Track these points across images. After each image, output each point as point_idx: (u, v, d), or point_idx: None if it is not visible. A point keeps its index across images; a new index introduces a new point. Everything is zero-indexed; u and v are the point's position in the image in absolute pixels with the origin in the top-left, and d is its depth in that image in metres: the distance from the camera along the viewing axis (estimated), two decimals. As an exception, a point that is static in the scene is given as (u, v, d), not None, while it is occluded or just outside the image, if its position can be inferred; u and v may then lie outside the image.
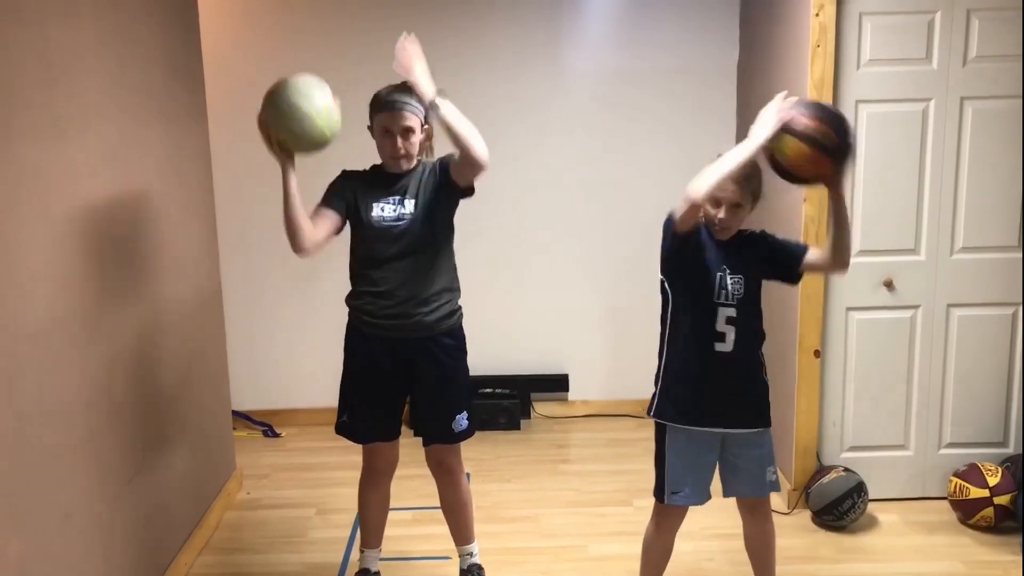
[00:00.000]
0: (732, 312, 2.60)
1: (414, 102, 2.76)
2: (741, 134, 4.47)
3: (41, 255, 2.34)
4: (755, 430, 2.69)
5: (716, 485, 2.77)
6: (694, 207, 2.45)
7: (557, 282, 4.74)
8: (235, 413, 4.37)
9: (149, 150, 3.09)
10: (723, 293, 2.61)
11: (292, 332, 4.74)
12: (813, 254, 2.66)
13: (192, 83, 3.57)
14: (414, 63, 2.67)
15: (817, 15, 3.40)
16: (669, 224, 2.60)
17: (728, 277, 2.62)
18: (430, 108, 2.65)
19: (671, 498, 2.72)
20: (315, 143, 2.61)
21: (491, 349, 4.69)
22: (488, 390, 4.69)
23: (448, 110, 2.62)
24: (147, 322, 3.03)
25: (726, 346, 2.60)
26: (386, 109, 2.76)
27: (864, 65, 3.47)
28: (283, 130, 2.58)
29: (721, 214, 2.57)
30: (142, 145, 3.03)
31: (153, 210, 3.11)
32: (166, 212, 3.23)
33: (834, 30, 3.41)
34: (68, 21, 2.50)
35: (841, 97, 3.48)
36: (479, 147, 2.63)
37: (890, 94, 3.49)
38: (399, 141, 2.77)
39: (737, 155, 2.43)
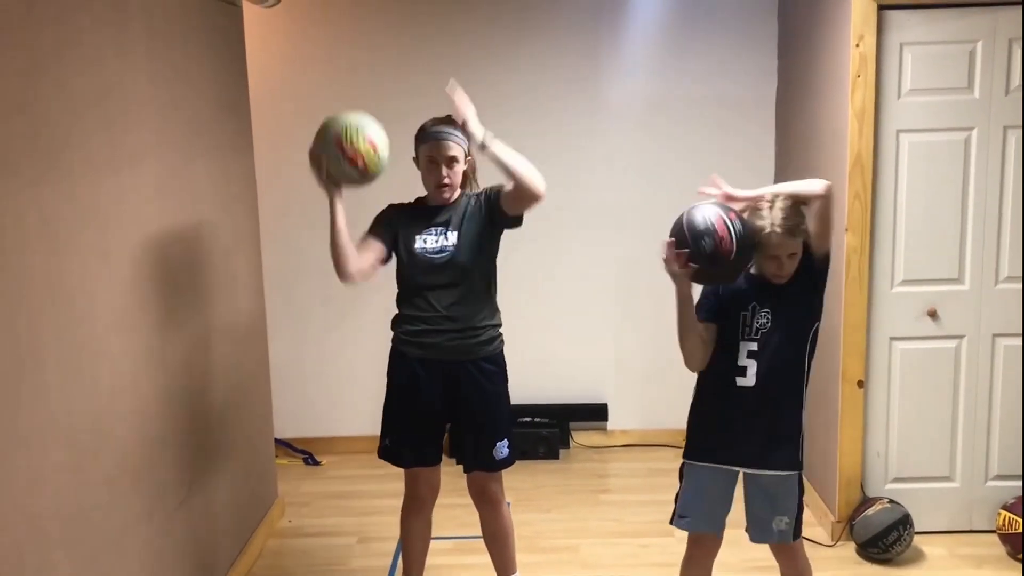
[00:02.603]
0: (753, 346, 2.60)
1: (458, 133, 2.84)
2: (780, 163, 4.49)
3: (99, 286, 2.40)
4: (779, 473, 2.65)
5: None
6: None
7: (596, 311, 4.75)
8: (276, 441, 4.41)
9: (198, 183, 3.16)
10: (746, 330, 2.61)
11: (333, 361, 4.78)
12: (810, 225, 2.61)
13: (239, 117, 3.65)
14: (466, 107, 2.75)
15: (857, 45, 3.41)
16: None
17: (757, 311, 2.61)
18: (481, 149, 2.73)
19: (677, 521, 2.77)
20: (363, 176, 2.69)
21: (530, 378, 4.70)
22: (527, 419, 4.69)
23: (499, 148, 2.71)
24: (194, 351, 3.08)
25: (747, 380, 2.60)
26: (431, 139, 2.84)
27: (905, 95, 3.47)
28: (333, 161, 2.66)
29: (783, 269, 2.58)
30: (192, 178, 3.10)
31: (201, 242, 3.17)
32: (213, 243, 3.29)
33: (875, 60, 3.42)
34: (124, 61, 2.57)
35: (882, 127, 3.48)
36: (535, 179, 2.71)
37: (932, 123, 3.48)
38: (444, 170, 2.83)
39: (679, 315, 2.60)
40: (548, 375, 4.76)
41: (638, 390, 4.82)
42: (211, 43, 3.32)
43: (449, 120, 2.85)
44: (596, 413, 4.81)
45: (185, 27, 3.06)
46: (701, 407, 2.73)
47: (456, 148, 2.84)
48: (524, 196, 2.74)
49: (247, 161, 3.75)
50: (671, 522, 2.79)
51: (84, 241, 2.33)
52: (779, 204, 2.52)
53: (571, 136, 4.63)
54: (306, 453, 4.77)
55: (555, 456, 4.67)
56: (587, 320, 4.76)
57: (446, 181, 2.84)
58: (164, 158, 2.85)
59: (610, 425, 4.85)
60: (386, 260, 2.92)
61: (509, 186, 2.77)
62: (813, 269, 2.63)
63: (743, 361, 2.61)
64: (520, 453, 4.52)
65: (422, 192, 2.96)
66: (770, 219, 2.51)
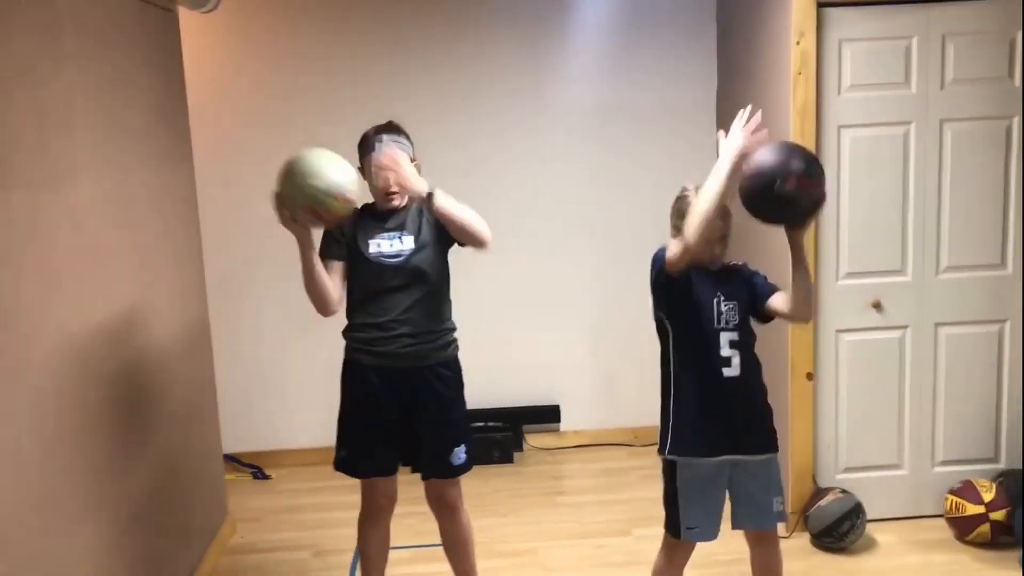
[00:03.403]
0: (735, 336, 2.62)
1: (402, 140, 2.83)
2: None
3: (38, 303, 2.32)
4: (765, 456, 2.70)
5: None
6: (687, 252, 2.48)
7: (545, 313, 4.74)
8: (223, 456, 4.31)
9: (137, 195, 3.07)
10: (722, 318, 2.63)
11: (279, 373, 4.69)
12: (778, 299, 2.64)
13: (177, 125, 3.56)
14: (399, 164, 2.73)
15: (798, 43, 3.46)
16: (659, 261, 2.61)
17: (724, 303, 2.64)
18: (425, 202, 2.71)
19: (687, 534, 2.70)
20: (335, 213, 2.57)
21: (481, 382, 4.62)
22: (480, 423, 4.66)
23: (443, 199, 2.70)
24: (137, 365, 2.99)
25: (733, 371, 2.62)
26: (376, 149, 2.79)
27: (845, 91, 3.53)
28: (304, 218, 2.55)
29: (715, 251, 2.61)
30: (131, 190, 3.01)
31: (142, 253, 3.09)
32: (155, 255, 3.21)
33: (815, 57, 3.47)
34: (60, 72, 2.49)
35: (824, 122, 3.53)
36: (481, 229, 2.73)
37: (871, 118, 3.55)
38: (390, 176, 2.79)
39: (711, 190, 2.43)
40: (499, 378, 4.74)
41: (589, 390, 4.82)
42: (146, 51, 3.24)
43: (390, 127, 2.83)
44: (548, 415, 4.81)
45: (119, 35, 2.97)
46: (687, 403, 2.66)
47: (399, 152, 2.80)
48: (472, 244, 2.78)
49: (186, 170, 3.65)
50: (677, 536, 2.71)
51: (22, 257, 2.24)
52: None
53: (515, 141, 4.61)
54: (254, 467, 4.67)
55: (509, 460, 4.65)
56: (537, 322, 4.75)
57: (395, 189, 2.81)
58: (101, 170, 2.76)
59: (563, 426, 4.85)
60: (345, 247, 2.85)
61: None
62: (757, 309, 2.69)
63: (727, 352, 2.62)
64: (474, 458, 4.51)
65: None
66: None
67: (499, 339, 4.72)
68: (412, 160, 2.85)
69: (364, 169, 2.85)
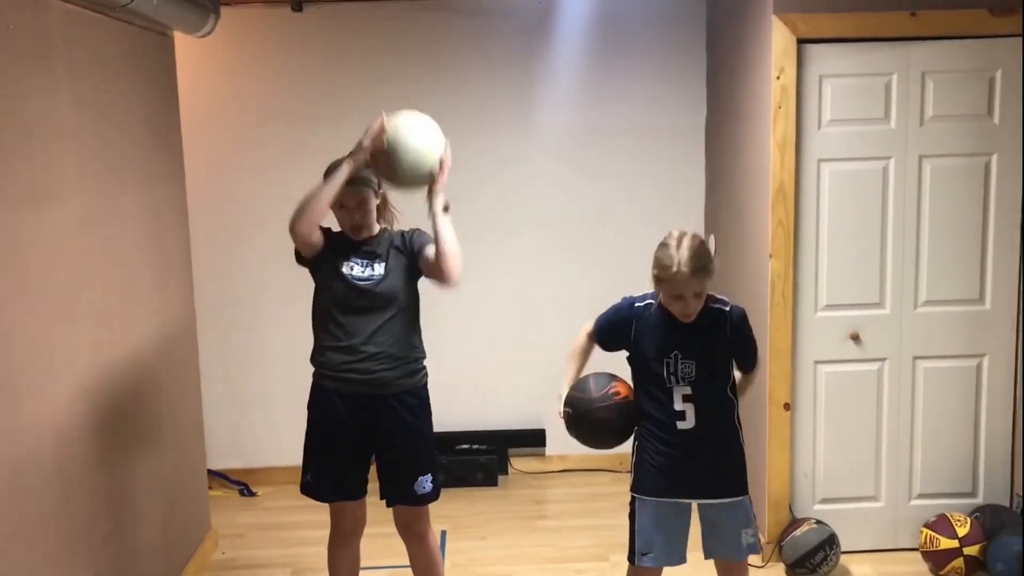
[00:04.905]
0: (687, 390, 2.63)
1: (365, 174, 2.83)
2: (709, 191, 4.59)
3: (17, 321, 2.37)
4: (731, 500, 2.70)
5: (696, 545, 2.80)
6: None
7: (532, 337, 4.78)
8: (211, 472, 4.36)
9: (127, 213, 3.14)
10: (674, 377, 2.64)
11: (269, 390, 4.74)
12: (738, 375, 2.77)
13: (170, 146, 3.64)
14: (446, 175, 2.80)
15: (778, 77, 3.51)
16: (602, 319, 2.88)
17: (679, 361, 2.63)
18: (436, 215, 2.76)
19: (640, 559, 2.74)
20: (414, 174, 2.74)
21: (468, 404, 4.71)
22: (465, 446, 4.70)
23: (445, 223, 2.76)
24: (122, 381, 3.05)
25: (687, 423, 2.63)
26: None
27: (825, 125, 3.58)
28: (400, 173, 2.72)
29: (688, 308, 2.58)
30: (120, 208, 3.08)
31: (130, 271, 3.15)
32: (143, 272, 3.27)
33: (795, 91, 3.52)
34: (45, 91, 2.56)
35: (804, 156, 3.58)
36: (457, 266, 2.78)
37: (851, 153, 3.59)
38: (355, 214, 2.85)
39: None
40: (485, 401, 4.78)
41: (575, 415, 4.84)
42: (140, 73, 3.31)
43: None
44: (534, 438, 4.83)
45: (112, 58, 3.05)
46: (645, 450, 2.71)
47: (365, 190, 2.85)
48: (440, 275, 2.80)
49: (178, 190, 3.72)
50: (633, 562, 2.75)
51: (1, 275, 2.30)
52: (687, 243, 2.52)
53: (502, 162, 4.67)
54: (241, 484, 4.71)
55: (493, 483, 4.68)
56: (524, 345, 4.78)
57: (359, 223, 2.87)
58: (90, 189, 2.83)
59: (548, 450, 4.87)
60: (318, 255, 2.87)
61: (430, 254, 2.81)
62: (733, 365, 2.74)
63: (680, 406, 2.63)
64: (458, 480, 4.55)
65: None
66: (677, 258, 2.50)
67: (486, 362, 4.76)
68: (377, 192, 2.90)
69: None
